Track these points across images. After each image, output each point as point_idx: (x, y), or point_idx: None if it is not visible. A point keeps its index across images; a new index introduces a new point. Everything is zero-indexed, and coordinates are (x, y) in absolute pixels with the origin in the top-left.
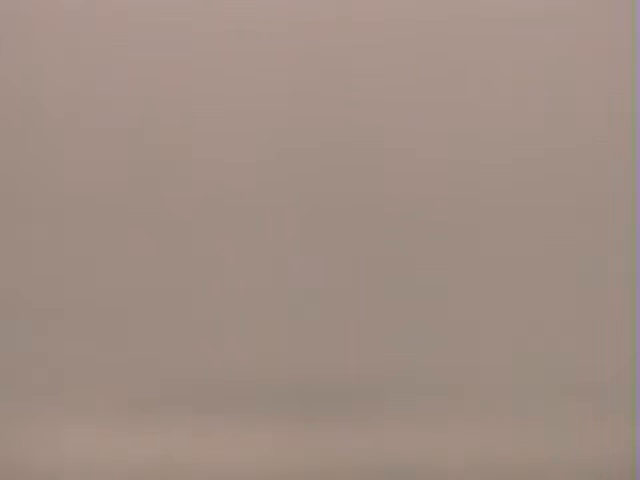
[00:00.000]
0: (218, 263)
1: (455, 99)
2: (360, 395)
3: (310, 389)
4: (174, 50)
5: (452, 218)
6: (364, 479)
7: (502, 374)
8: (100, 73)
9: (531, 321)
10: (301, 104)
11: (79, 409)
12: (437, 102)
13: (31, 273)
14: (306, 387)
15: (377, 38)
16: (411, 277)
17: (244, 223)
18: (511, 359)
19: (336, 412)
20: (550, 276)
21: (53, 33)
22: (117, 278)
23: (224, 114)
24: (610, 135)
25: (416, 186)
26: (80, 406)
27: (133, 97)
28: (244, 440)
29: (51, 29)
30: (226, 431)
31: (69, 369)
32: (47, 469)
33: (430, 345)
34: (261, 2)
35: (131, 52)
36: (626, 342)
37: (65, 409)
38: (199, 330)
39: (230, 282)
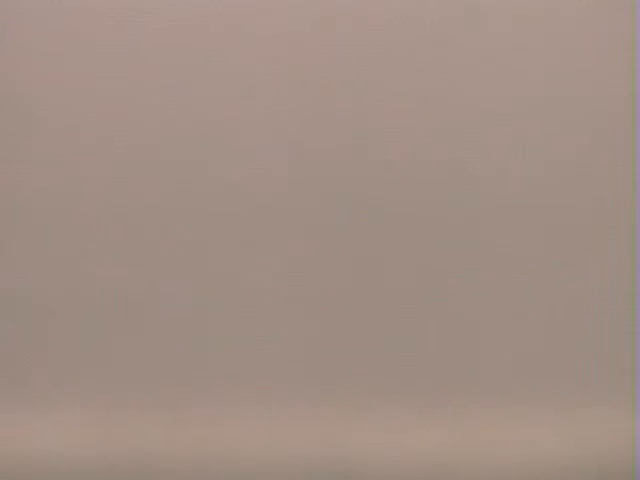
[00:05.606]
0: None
1: (455, 100)
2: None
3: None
4: (182, 54)
5: (460, 224)
6: None
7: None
8: (104, 77)
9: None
10: (312, 106)
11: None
12: (437, 103)
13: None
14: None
15: (378, 35)
16: (414, 280)
17: (248, 229)
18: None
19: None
20: (550, 277)
21: (53, 33)
22: (122, 281)
23: (232, 123)
24: (610, 135)
25: (423, 189)
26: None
27: (135, 102)
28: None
29: (51, 29)
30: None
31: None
32: (43, 465)
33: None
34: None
35: (135, 55)
36: (626, 343)
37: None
38: (209, 339)
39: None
